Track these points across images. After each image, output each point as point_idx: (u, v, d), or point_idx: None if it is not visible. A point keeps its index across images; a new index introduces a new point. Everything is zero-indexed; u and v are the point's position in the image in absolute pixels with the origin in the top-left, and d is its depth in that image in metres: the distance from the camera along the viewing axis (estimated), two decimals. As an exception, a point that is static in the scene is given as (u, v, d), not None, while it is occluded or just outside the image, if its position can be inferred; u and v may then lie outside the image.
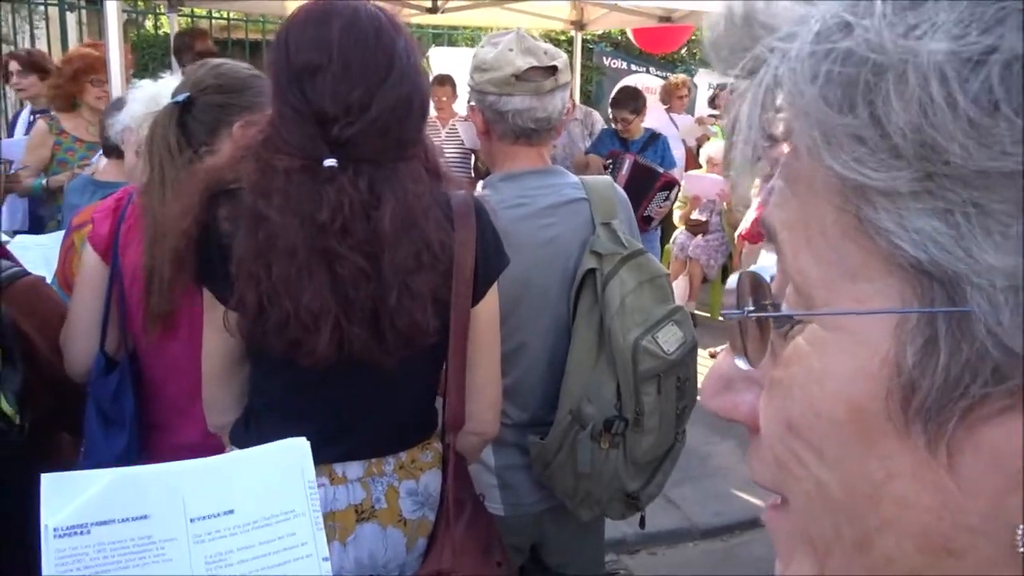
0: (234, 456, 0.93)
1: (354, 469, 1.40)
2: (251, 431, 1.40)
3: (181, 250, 1.30)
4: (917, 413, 0.32)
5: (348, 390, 1.37)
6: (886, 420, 0.33)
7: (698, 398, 1.88)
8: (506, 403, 1.68)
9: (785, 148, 0.37)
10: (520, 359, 1.77)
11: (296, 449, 0.88)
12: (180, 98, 1.67)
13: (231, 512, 0.86)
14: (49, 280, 1.93)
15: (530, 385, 1.80)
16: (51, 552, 0.80)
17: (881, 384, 0.33)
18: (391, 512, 1.41)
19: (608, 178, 2.00)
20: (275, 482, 0.87)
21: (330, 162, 1.25)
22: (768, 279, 0.42)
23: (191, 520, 0.85)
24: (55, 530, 0.81)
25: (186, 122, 1.66)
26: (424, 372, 1.45)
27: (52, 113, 4.10)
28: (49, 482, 0.82)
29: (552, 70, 1.78)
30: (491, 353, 1.49)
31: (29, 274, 1.84)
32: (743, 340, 0.41)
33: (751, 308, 0.42)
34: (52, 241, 2.36)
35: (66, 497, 0.80)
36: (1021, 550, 0.30)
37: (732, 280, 0.43)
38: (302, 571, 0.87)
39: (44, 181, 3.94)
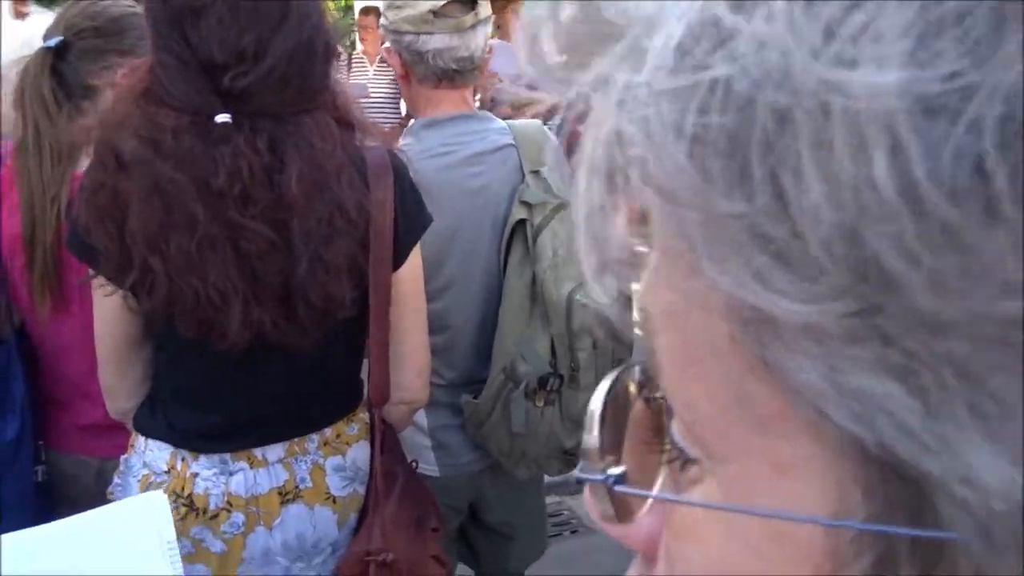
0: (78, 520, 0.83)
1: (275, 451, 1.31)
2: (158, 418, 1.30)
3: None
4: None
5: (264, 373, 1.26)
6: None
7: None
8: (437, 362, 1.60)
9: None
10: (450, 317, 1.69)
11: (152, 505, 0.78)
12: (52, 43, 1.45)
13: None
14: None
15: (461, 343, 1.73)
16: None
17: None
18: (317, 491, 1.33)
19: (537, 122, 1.90)
20: (128, 546, 0.77)
21: (223, 118, 1.10)
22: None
23: None
24: None
25: (62, 71, 1.46)
26: (346, 344, 1.35)
27: None
28: None
29: (472, 4, 1.66)
30: (417, 318, 1.40)
31: None
32: (611, 499, 0.29)
33: (614, 471, 0.29)
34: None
35: None
36: None
37: (594, 405, 0.29)
38: None
39: None
